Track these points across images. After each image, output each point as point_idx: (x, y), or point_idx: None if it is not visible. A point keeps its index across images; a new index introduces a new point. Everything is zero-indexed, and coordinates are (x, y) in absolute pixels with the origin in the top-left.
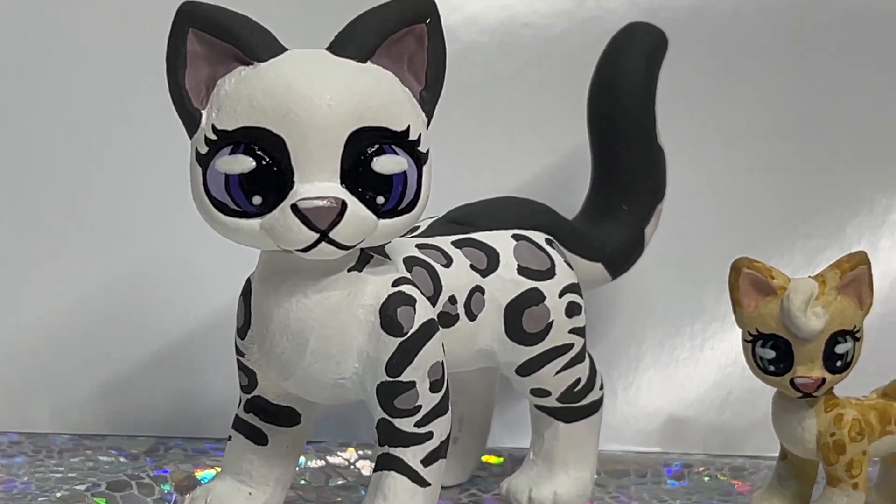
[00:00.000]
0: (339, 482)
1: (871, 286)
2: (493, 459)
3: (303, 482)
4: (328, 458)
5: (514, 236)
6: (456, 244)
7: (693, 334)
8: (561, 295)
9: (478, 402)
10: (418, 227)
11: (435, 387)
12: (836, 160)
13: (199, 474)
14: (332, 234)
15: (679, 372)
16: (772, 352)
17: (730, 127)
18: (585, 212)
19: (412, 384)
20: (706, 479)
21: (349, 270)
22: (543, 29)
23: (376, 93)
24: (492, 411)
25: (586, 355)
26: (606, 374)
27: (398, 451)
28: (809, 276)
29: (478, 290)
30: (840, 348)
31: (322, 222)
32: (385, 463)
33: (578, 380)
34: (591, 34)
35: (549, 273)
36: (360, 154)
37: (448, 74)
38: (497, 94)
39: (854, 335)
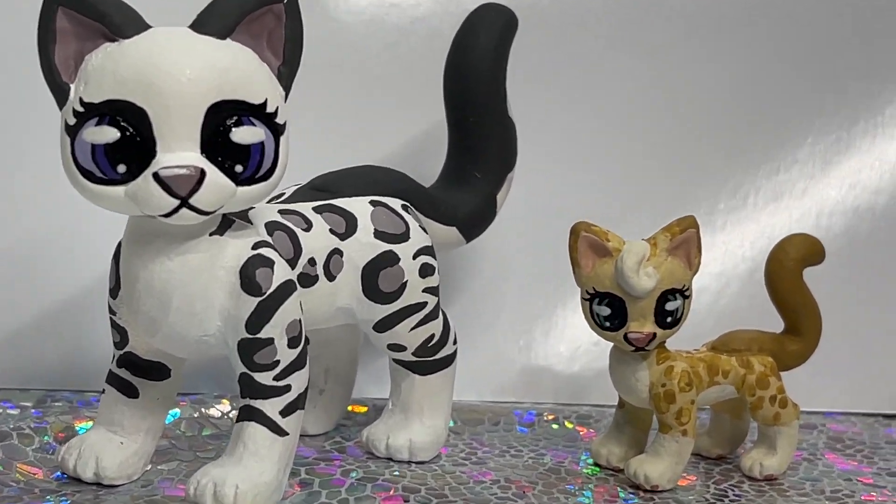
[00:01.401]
0: (212, 432)
1: (700, 248)
2: (358, 409)
3: (178, 432)
4: (203, 409)
5: (372, 202)
6: (317, 210)
7: (546, 293)
8: (415, 257)
9: (342, 356)
10: (283, 193)
11: (292, 343)
12: (682, 130)
13: (79, 426)
14: (191, 201)
15: (532, 328)
16: (607, 309)
17: (579, 100)
18: (441, 180)
19: (270, 340)
20: (554, 426)
21: (211, 234)
22: (409, 9)
23: (235, 68)
24: (356, 364)
25: (440, 313)
26: (464, 331)
27: (258, 403)
28: (643, 239)
29: (336, 252)
30: (670, 305)
31: (182, 189)
32: (246, 414)
33: (432, 336)
34: (453, 14)
35: (403, 236)
36: (219, 125)
37: (318, 51)
38: (365, 70)
39: (683, 293)
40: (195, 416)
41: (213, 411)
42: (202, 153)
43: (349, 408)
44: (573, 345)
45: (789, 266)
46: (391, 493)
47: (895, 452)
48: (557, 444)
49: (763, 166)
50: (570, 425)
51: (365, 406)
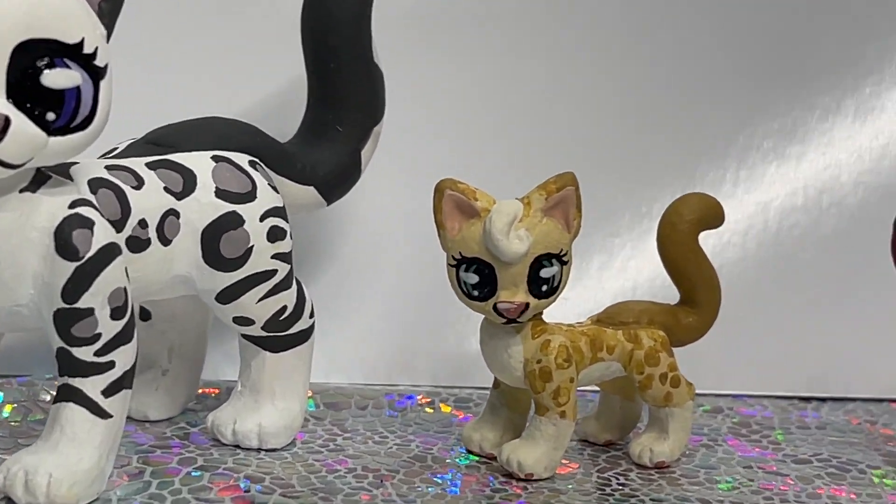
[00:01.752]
0: (41, 417)
1: (580, 208)
2: (210, 392)
3: (1, 417)
4: (32, 392)
5: (215, 157)
6: (150, 166)
7: (424, 263)
8: (262, 219)
9: (189, 332)
10: (116, 148)
11: (116, 314)
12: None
13: None
14: None
15: (409, 302)
16: (475, 276)
17: (457, 46)
18: (300, 134)
19: (90, 311)
20: (428, 410)
21: (21, 191)
22: None
23: (46, 3)
24: (205, 342)
25: (293, 282)
26: (331, 305)
27: (77, 382)
28: (516, 199)
29: (172, 213)
30: (545, 272)
31: None
32: (64, 394)
33: (284, 308)
34: None
35: (249, 196)
36: (27, 67)
37: None
38: (221, 10)
39: (561, 259)
40: (22, 400)
41: (45, 395)
42: (7, 98)
43: (199, 390)
44: (459, 322)
45: (683, 229)
46: (230, 482)
47: (806, 438)
48: (429, 429)
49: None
50: (446, 409)
51: (218, 388)
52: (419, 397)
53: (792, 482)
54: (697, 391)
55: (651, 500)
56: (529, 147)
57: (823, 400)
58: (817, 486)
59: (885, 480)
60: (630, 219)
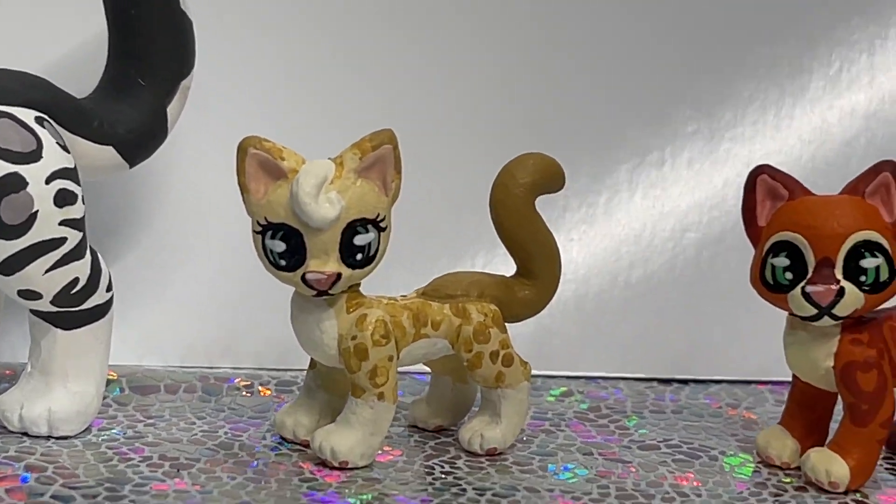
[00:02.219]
0: None
1: (399, 168)
2: (6, 373)
3: None
4: None
5: None
6: None
7: (247, 234)
8: (49, 181)
9: None
10: None
11: None
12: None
13: None
14: None
15: (230, 278)
16: (282, 244)
17: None
18: (100, 89)
19: None
20: (245, 395)
21: None
22: None
23: None
24: None
25: (87, 252)
26: (143, 279)
27: None
28: (329, 159)
29: None
30: (360, 239)
31: None
32: None
33: (76, 280)
34: None
35: (33, 156)
36: None
37: None
38: None
39: (378, 224)
40: None
41: None
42: None
43: None
44: (282, 299)
45: (517, 193)
46: (8, 472)
47: (658, 423)
48: (243, 415)
49: None
50: (266, 393)
51: (13, 370)
52: (237, 380)
53: (634, 469)
54: (549, 373)
55: (474, 489)
56: (355, 108)
57: (686, 382)
58: (660, 474)
59: (738, 469)
60: None
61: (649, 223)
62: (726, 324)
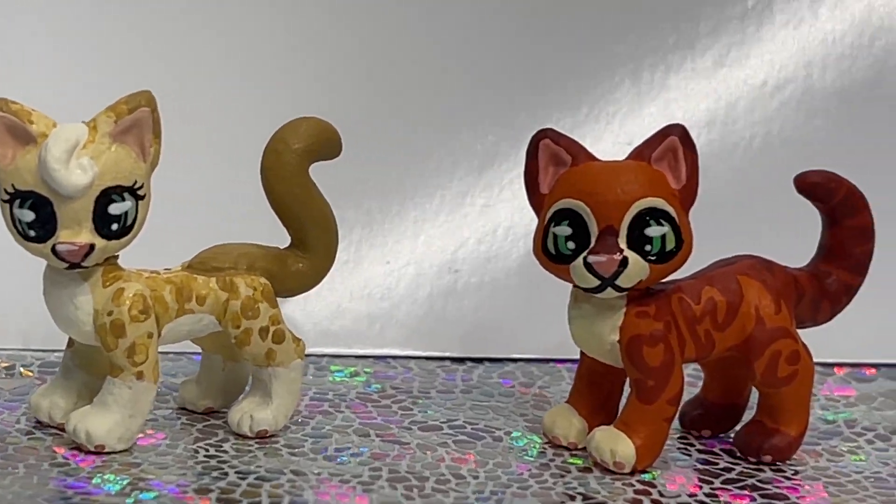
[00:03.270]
0: None
1: (158, 133)
2: None
3: None
4: None
5: None
6: None
7: None
8: None
9: None
10: None
11: None
12: None
13: None
14: None
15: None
16: (31, 213)
17: None
18: None
19: None
20: (4, 377)
21: None
22: None
23: None
24: None
25: None
26: None
27: None
28: (82, 122)
29: None
30: (116, 208)
31: None
32: None
33: None
34: None
35: None
36: None
37: None
38: None
39: (135, 192)
40: None
41: None
42: None
43: None
44: None
45: (289, 160)
46: None
47: (445, 402)
48: (1, 398)
49: None
50: (28, 375)
51: None
52: (3, 362)
53: (411, 451)
54: (337, 352)
55: (236, 472)
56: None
57: (480, 361)
58: (438, 456)
59: (523, 450)
60: None
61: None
62: (522, 300)
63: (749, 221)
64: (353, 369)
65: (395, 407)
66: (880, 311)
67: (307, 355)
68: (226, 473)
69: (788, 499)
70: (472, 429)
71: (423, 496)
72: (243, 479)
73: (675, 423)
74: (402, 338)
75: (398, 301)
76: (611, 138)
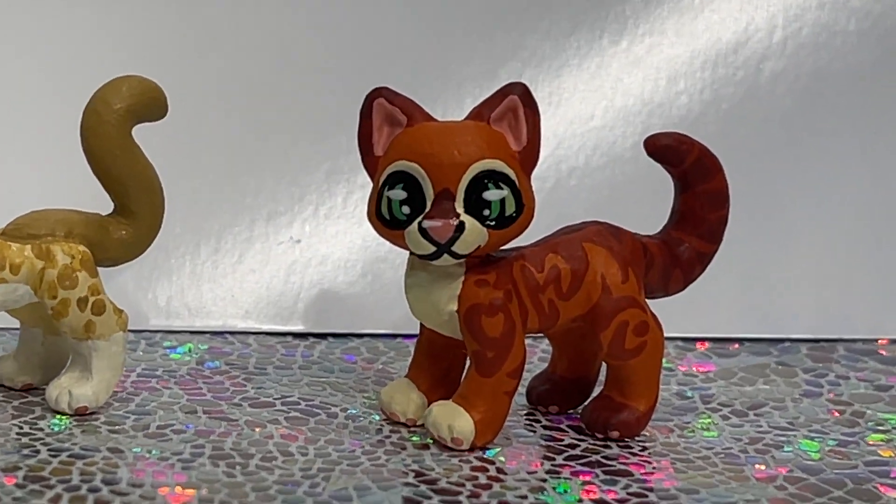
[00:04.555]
0: None
1: None
2: None
3: None
4: None
5: None
6: None
7: None
8: None
9: None
10: None
11: None
12: None
13: None
14: None
15: None
16: None
17: None
18: None
19: None
20: None
21: None
22: None
23: None
24: None
25: None
26: None
27: None
28: None
29: None
30: None
31: None
32: None
33: None
34: None
35: None
36: None
37: None
38: None
39: None
40: None
41: None
42: None
43: None
44: None
45: (110, 120)
46: None
47: (281, 378)
48: None
49: None
50: None
51: None
52: None
53: (239, 427)
54: (172, 327)
55: (49, 449)
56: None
57: (324, 336)
58: (267, 433)
59: (358, 426)
60: None
61: None
62: (370, 274)
63: (600, 188)
64: (189, 346)
65: (228, 383)
66: (745, 284)
67: (139, 330)
68: (37, 451)
69: (633, 475)
70: (306, 405)
71: (247, 473)
72: (55, 456)
73: (523, 399)
74: (241, 312)
75: (241, 276)
76: None
